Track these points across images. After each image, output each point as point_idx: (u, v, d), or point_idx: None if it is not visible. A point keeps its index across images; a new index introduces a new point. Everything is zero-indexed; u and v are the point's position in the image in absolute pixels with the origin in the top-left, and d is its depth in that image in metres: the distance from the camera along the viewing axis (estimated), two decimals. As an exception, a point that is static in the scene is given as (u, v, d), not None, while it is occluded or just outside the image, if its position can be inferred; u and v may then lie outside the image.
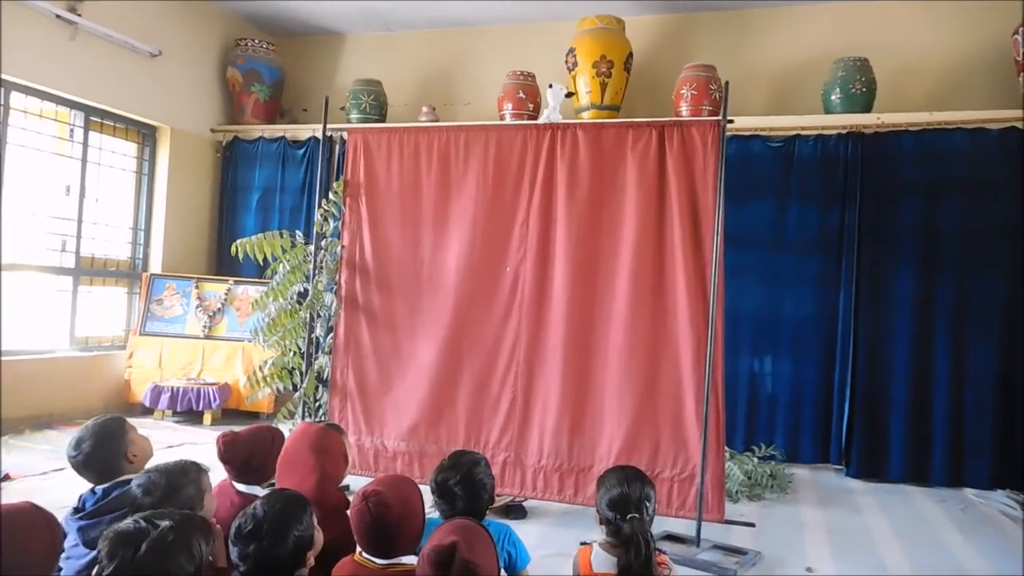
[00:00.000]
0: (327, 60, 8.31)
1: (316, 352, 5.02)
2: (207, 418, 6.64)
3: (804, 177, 6.19)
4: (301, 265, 5.12)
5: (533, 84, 6.98)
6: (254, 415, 6.58)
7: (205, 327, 7.09)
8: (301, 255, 5.14)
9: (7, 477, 4.69)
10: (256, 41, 7.86)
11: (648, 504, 2.46)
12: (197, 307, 7.15)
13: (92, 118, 6.81)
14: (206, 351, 6.99)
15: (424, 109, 7.34)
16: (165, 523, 1.81)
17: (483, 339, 4.55)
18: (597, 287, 4.36)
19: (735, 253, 5.41)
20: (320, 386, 5.03)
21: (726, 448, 4.36)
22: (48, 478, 4.75)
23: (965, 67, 6.32)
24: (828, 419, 6.04)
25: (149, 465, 2.57)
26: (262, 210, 7.83)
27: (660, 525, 4.04)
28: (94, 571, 1.79)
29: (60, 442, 5.56)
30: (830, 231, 6.09)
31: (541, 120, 4.71)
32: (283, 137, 7.81)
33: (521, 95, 6.89)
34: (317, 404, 5.03)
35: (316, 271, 4.94)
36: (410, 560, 2.25)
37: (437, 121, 7.14)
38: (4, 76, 5.79)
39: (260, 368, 5.10)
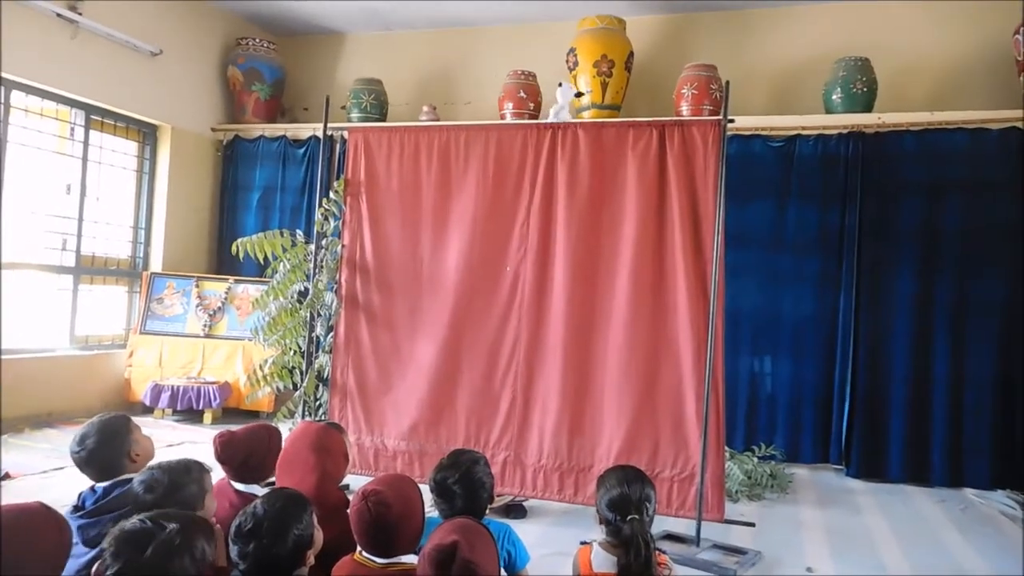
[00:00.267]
0: (328, 59, 8.31)
1: (316, 351, 5.02)
2: (207, 417, 6.64)
3: (805, 177, 6.19)
4: (301, 264, 5.12)
5: (534, 83, 6.98)
6: (254, 414, 6.58)
7: (205, 326, 7.09)
8: (301, 254, 5.14)
9: (7, 476, 4.69)
10: (257, 40, 7.86)
11: (648, 505, 2.46)
12: (197, 306, 7.15)
13: (93, 117, 6.81)
14: (206, 350, 6.99)
15: (425, 108, 7.35)
16: (172, 525, 1.82)
17: (483, 338, 4.55)
18: (597, 286, 4.36)
19: (735, 253, 5.41)
20: (320, 385, 5.03)
21: (726, 448, 4.36)
22: (48, 477, 4.75)
23: (966, 67, 6.32)
24: (828, 419, 6.03)
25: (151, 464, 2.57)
26: (263, 209, 7.83)
27: (660, 524, 4.04)
28: (95, 568, 1.79)
29: (60, 441, 5.56)
30: (830, 231, 6.09)
31: (550, 118, 4.72)
32: (284, 136, 7.81)
33: (522, 94, 6.89)
34: (317, 403, 5.03)
35: (316, 270, 4.94)
36: (410, 559, 2.25)
37: (438, 120, 7.14)
38: (5, 75, 5.80)
39: (260, 367, 5.10)
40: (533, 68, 7.02)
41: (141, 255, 7.46)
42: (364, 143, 4.89)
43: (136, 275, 7.37)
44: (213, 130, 7.97)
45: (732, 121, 4.22)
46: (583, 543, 2.63)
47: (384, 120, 7.44)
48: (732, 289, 5.17)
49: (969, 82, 6.28)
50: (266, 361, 5.11)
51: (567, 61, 6.80)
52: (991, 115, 5.82)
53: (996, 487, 5.48)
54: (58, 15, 6.09)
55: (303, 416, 4.84)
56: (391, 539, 2.23)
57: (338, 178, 5.04)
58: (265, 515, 2.06)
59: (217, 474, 2.76)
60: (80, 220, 6.74)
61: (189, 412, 6.69)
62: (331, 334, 4.94)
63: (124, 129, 7.18)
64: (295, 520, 2.09)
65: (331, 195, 4.96)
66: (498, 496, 4.37)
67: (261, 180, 7.83)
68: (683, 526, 4.11)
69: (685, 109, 6.38)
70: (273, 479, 2.97)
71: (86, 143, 6.77)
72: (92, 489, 2.71)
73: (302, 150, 7.72)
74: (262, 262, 5.27)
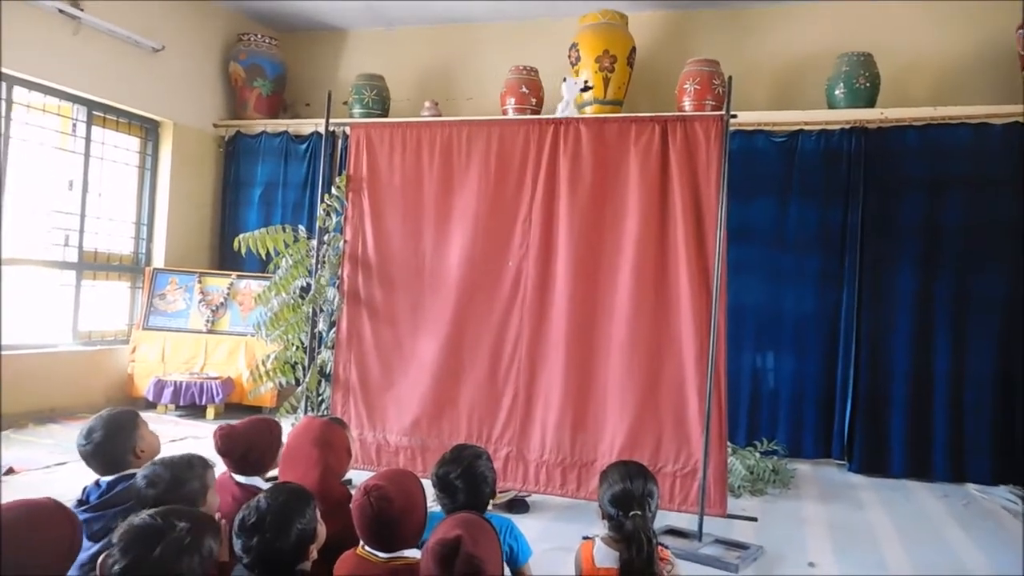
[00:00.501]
0: (329, 55, 8.30)
1: (319, 347, 5.03)
2: (210, 412, 6.65)
3: (807, 172, 6.18)
4: (304, 260, 5.12)
5: (536, 79, 6.97)
6: (257, 410, 6.58)
7: (208, 321, 7.10)
8: (304, 250, 5.14)
9: (11, 471, 4.71)
10: (258, 36, 7.85)
11: (651, 500, 2.46)
12: (200, 301, 7.16)
13: (95, 113, 6.82)
14: (209, 345, 7.00)
15: (426, 104, 7.34)
16: (182, 524, 1.83)
17: (485, 334, 4.55)
18: (599, 282, 4.36)
19: (738, 248, 5.41)
20: (323, 380, 5.04)
21: (728, 443, 4.36)
22: (51, 472, 4.76)
23: (968, 62, 6.30)
24: (830, 414, 6.04)
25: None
26: (265, 205, 7.84)
27: (662, 519, 4.04)
28: (100, 561, 1.79)
29: (63, 436, 5.58)
30: (833, 227, 6.08)
31: (557, 114, 4.72)
32: (286, 132, 7.81)
33: (524, 90, 6.88)
34: (320, 399, 5.03)
35: (319, 266, 4.94)
36: (412, 553, 2.26)
37: (440, 116, 7.13)
38: (7, 71, 5.80)
39: (263, 363, 5.11)
40: (535, 64, 7.01)
41: (143, 251, 7.47)
42: (366, 139, 4.89)
43: (139, 271, 7.38)
44: (215, 126, 7.97)
45: (735, 116, 4.22)
46: (585, 538, 2.63)
47: (386, 116, 7.44)
48: (734, 285, 5.17)
49: (972, 77, 6.27)
50: (268, 357, 5.12)
51: (569, 56, 6.80)
52: (994, 110, 5.80)
53: (998, 482, 5.48)
54: (60, 11, 6.08)
55: (306, 411, 4.85)
56: (393, 533, 2.24)
57: (340, 174, 5.03)
58: (268, 509, 2.07)
59: (219, 469, 2.77)
60: (82, 216, 6.75)
61: (192, 408, 6.70)
62: (333, 330, 4.95)
63: (126, 125, 7.19)
64: (298, 514, 2.10)
65: (333, 191, 4.96)
66: (501, 491, 4.37)
67: (263, 176, 7.83)
68: (685, 521, 4.11)
69: (687, 104, 6.37)
70: (275, 473, 2.98)
71: (88, 139, 6.78)
72: (96, 483, 2.73)
73: (304, 146, 7.72)
74: (264, 258, 5.27)
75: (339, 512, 2.43)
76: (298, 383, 5.06)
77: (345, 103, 7.49)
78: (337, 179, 4.99)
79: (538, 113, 6.85)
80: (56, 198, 6.57)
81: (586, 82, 6.39)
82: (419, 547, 2.26)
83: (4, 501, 1.93)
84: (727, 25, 6.96)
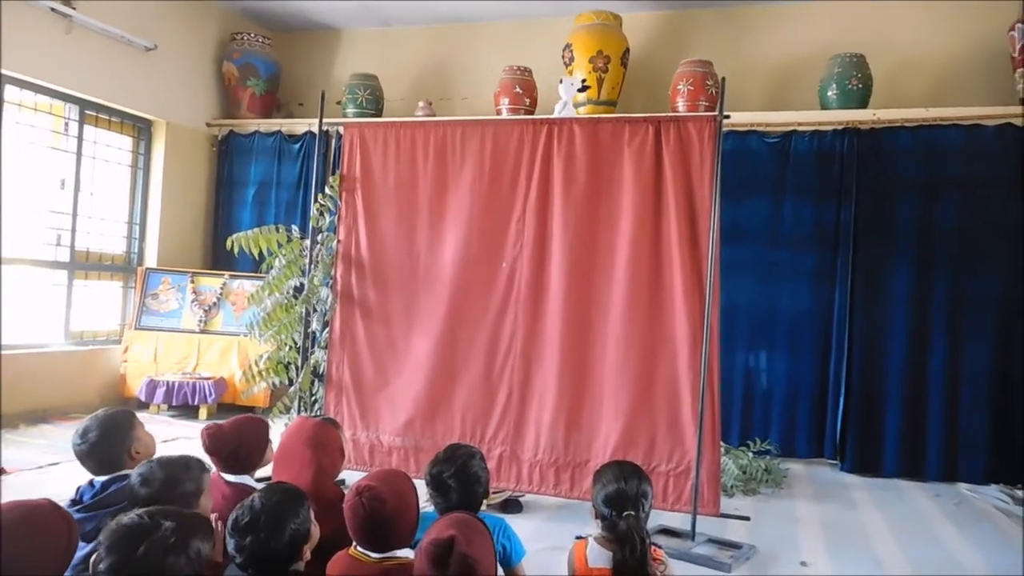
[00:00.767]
0: (323, 55, 8.29)
1: (312, 347, 5.02)
2: (203, 412, 6.63)
3: (800, 173, 6.19)
4: (297, 260, 5.11)
5: (530, 79, 6.97)
6: (250, 410, 6.57)
7: (201, 321, 7.08)
8: (297, 250, 5.13)
9: (2, 471, 4.69)
10: (252, 35, 7.84)
11: (644, 501, 2.46)
12: (192, 301, 7.14)
13: (87, 112, 6.79)
14: (202, 345, 6.99)
15: (420, 104, 7.34)
16: (168, 523, 1.82)
17: (479, 334, 4.55)
18: (594, 282, 4.36)
19: (731, 248, 5.42)
20: (316, 381, 5.03)
21: (721, 443, 4.37)
22: (44, 472, 4.74)
23: (961, 63, 6.33)
24: (823, 414, 6.06)
25: None
26: (258, 204, 7.82)
27: (655, 519, 4.04)
28: (92, 560, 1.79)
29: (56, 436, 5.55)
30: (826, 227, 6.10)
31: (555, 115, 4.72)
32: (279, 131, 7.79)
33: (518, 90, 6.88)
34: (313, 399, 5.03)
35: (312, 266, 4.93)
36: (405, 553, 2.26)
37: (434, 116, 7.13)
38: (-2, 69, 5.78)
39: (256, 363, 5.09)
40: (529, 64, 7.02)
41: (136, 250, 7.44)
42: (360, 138, 4.88)
43: (131, 270, 7.36)
44: (208, 125, 7.95)
45: (728, 117, 4.23)
46: (578, 538, 2.64)
47: (380, 116, 7.43)
48: (728, 285, 5.17)
49: (964, 78, 6.29)
50: (261, 356, 5.10)
51: (563, 57, 6.80)
52: (986, 111, 5.83)
53: (990, 482, 5.50)
54: (52, 10, 6.06)
55: (299, 412, 4.84)
56: (386, 534, 2.24)
57: (333, 173, 5.03)
58: (262, 509, 2.07)
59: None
60: (74, 215, 6.72)
61: (184, 408, 6.68)
62: (327, 330, 4.94)
63: (119, 124, 7.16)
64: (292, 514, 2.10)
65: (326, 190, 4.95)
66: (495, 492, 4.38)
67: (256, 175, 7.82)
68: (679, 520, 4.12)
69: (681, 105, 6.38)
70: (267, 473, 2.98)
71: (80, 138, 6.75)
72: (90, 483, 2.72)
73: (297, 145, 7.70)
74: (257, 258, 5.26)
75: (332, 512, 2.43)
76: (291, 383, 5.05)
77: (339, 103, 7.48)
78: (330, 179, 4.98)
79: (532, 113, 6.85)
80: (48, 197, 6.54)
81: (583, 81, 6.40)
82: (412, 547, 2.26)
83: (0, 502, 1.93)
84: (720, 26, 6.98)
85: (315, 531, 2.20)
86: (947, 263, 5.78)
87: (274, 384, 5.15)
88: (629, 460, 2.82)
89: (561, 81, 5.11)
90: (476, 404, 4.54)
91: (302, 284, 5.01)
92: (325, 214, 4.97)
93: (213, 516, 2.45)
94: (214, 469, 2.78)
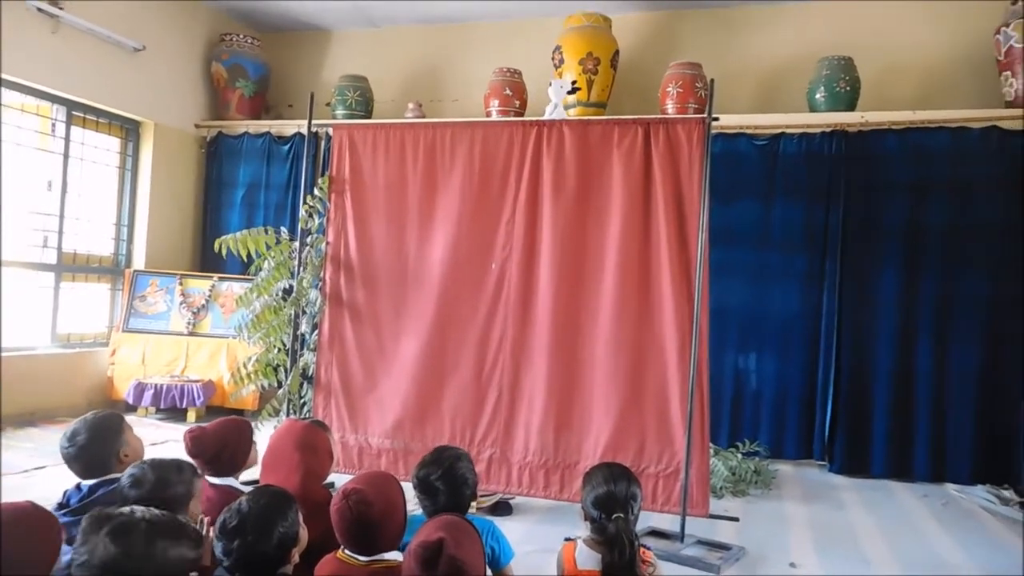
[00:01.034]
0: (313, 56, 8.27)
1: (301, 349, 5.00)
2: (191, 415, 6.60)
3: (789, 175, 6.22)
4: (286, 262, 5.09)
5: (520, 81, 6.98)
6: (239, 412, 6.54)
7: (189, 324, 7.05)
8: (286, 251, 5.11)
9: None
10: (241, 36, 7.81)
11: (634, 503, 2.46)
12: (181, 304, 7.11)
13: (75, 113, 6.75)
14: (190, 348, 6.95)
15: (410, 105, 7.33)
16: (144, 518, 1.82)
17: (469, 336, 4.54)
18: (583, 284, 4.36)
19: (720, 250, 5.43)
20: (305, 383, 5.02)
21: (711, 444, 4.37)
22: (30, 476, 4.71)
23: (948, 66, 6.38)
24: (812, 416, 6.08)
25: None
26: (247, 206, 7.79)
27: (645, 520, 4.06)
28: (72, 549, 1.79)
29: (42, 440, 5.52)
30: (814, 229, 6.13)
31: (546, 117, 4.72)
32: (268, 133, 7.77)
33: (507, 92, 6.88)
34: (302, 401, 5.01)
35: (301, 267, 4.92)
36: (392, 556, 2.25)
37: (423, 117, 7.13)
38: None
39: (244, 365, 5.07)
40: (519, 65, 7.02)
41: (124, 252, 7.40)
42: (349, 140, 4.87)
43: (119, 272, 7.32)
44: (197, 126, 7.92)
45: (717, 119, 4.25)
46: (567, 539, 2.64)
47: (369, 117, 7.42)
48: (717, 287, 5.19)
49: (951, 81, 6.34)
50: (250, 359, 5.07)
51: (553, 59, 6.81)
52: (972, 114, 5.87)
53: (977, 482, 5.54)
54: (39, 10, 6.02)
55: (288, 414, 4.82)
56: (373, 537, 2.23)
57: (323, 175, 5.02)
58: (250, 512, 2.06)
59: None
60: (62, 217, 6.67)
61: (173, 410, 6.64)
62: (316, 332, 4.93)
63: (106, 125, 7.12)
64: (280, 517, 2.09)
65: (315, 192, 4.94)
66: (485, 495, 4.37)
67: (245, 177, 7.79)
68: (668, 522, 4.13)
69: (670, 107, 6.40)
70: (254, 476, 2.97)
71: (67, 139, 6.71)
72: (78, 487, 2.70)
73: (287, 147, 7.68)
74: (246, 260, 5.24)
75: (321, 515, 2.42)
76: (280, 386, 5.03)
77: (328, 104, 7.46)
78: (320, 180, 4.97)
79: (522, 115, 6.86)
80: (35, 199, 6.49)
81: (573, 83, 6.40)
82: (400, 550, 2.25)
83: None
84: (710, 28, 7.00)
85: (303, 534, 2.19)
86: (934, 265, 5.82)
87: (263, 387, 5.13)
88: (618, 462, 2.82)
89: (551, 83, 5.11)
90: (465, 406, 4.53)
91: (291, 286, 4.99)
92: (314, 216, 4.96)
93: (204, 519, 2.45)
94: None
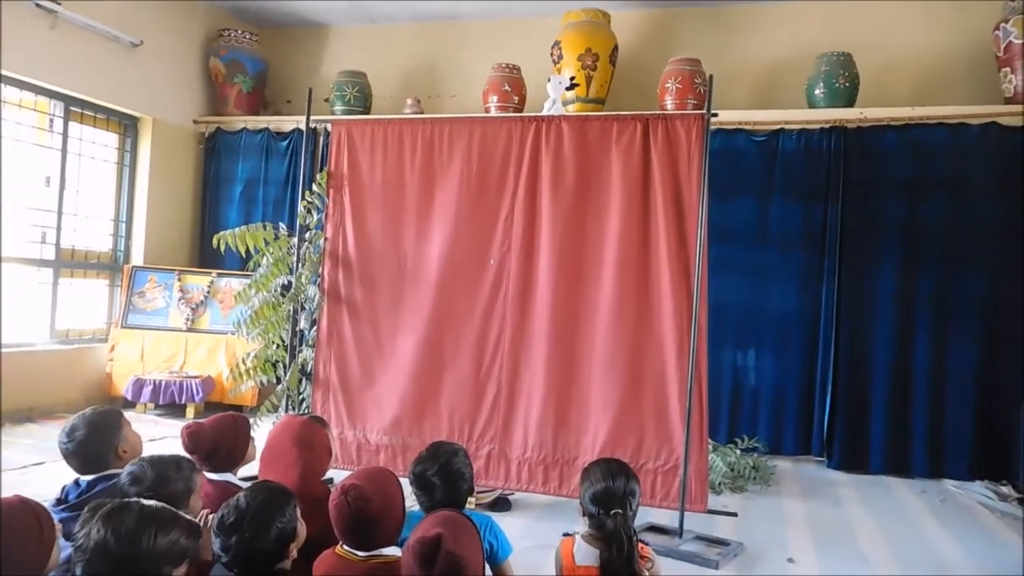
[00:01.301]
0: (311, 52, 8.25)
1: (300, 345, 5.00)
2: (190, 411, 6.60)
3: (788, 171, 6.22)
4: (284, 258, 5.08)
5: (519, 77, 6.97)
6: (237, 408, 6.53)
7: (188, 320, 7.05)
8: (284, 247, 5.11)
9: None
10: (239, 32, 7.79)
11: (632, 499, 2.46)
12: (179, 300, 7.10)
13: (72, 108, 6.73)
14: (189, 344, 6.95)
15: (409, 101, 7.32)
16: (137, 510, 1.83)
17: (467, 332, 4.54)
18: (582, 279, 4.36)
19: (719, 247, 5.41)
20: (303, 379, 5.01)
21: (709, 440, 4.38)
22: (28, 472, 4.71)
23: (947, 63, 6.37)
24: (810, 412, 6.08)
25: None
26: (245, 202, 7.78)
27: (644, 516, 4.06)
28: (74, 534, 1.80)
29: (41, 436, 5.51)
30: (813, 225, 6.13)
31: (544, 113, 4.71)
32: (266, 129, 7.75)
33: (506, 88, 6.88)
34: (300, 397, 5.01)
35: (299, 263, 4.91)
36: (391, 552, 2.25)
37: (422, 113, 7.11)
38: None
39: (243, 361, 5.07)
40: (518, 61, 7.01)
41: (122, 248, 7.39)
42: (347, 136, 4.86)
43: (117, 268, 7.31)
44: (195, 122, 7.90)
45: (716, 115, 4.24)
46: (566, 535, 2.64)
47: (368, 113, 7.41)
48: (716, 283, 5.17)
49: (950, 78, 6.33)
50: (249, 355, 5.08)
51: (552, 54, 6.80)
52: (971, 111, 5.87)
53: (974, 478, 5.54)
54: (37, 5, 6.00)
55: (286, 410, 4.82)
56: (371, 532, 2.23)
57: (321, 171, 5.01)
58: (248, 508, 2.06)
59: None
60: (60, 213, 6.67)
61: (172, 406, 6.64)
62: (314, 328, 4.92)
63: (104, 121, 7.11)
64: (278, 513, 2.09)
65: (314, 188, 4.93)
66: (485, 491, 4.37)
67: (243, 173, 7.78)
68: (666, 517, 4.13)
69: (669, 103, 6.39)
70: (253, 472, 2.97)
71: (65, 135, 6.70)
72: (76, 483, 2.70)
73: (285, 143, 7.67)
74: (244, 256, 5.24)
75: (319, 511, 2.42)
76: (279, 382, 5.03)
77: (326, 100, 7.45)
78: (318, 176, 4.96)
79: (520, 111, 6.85)
80: (33, 195, 6.48)
81: (572, 79, 6.39)
82: (398, 545, 2.25)
83: None
84: (709, 25, 6.99)
85: (302, 530, 2.19)
86: (933, 261, 5.82)
87: (262, 383, 5.13)
88: (617, 458, 2.82)
89: (549, 79, 5.10)
90: (464, 402, 4.53)
91: (290, 282, 4.99)
92: (313, 212, 4.95)
93: (206, 512, 2.45)
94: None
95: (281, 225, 5.26)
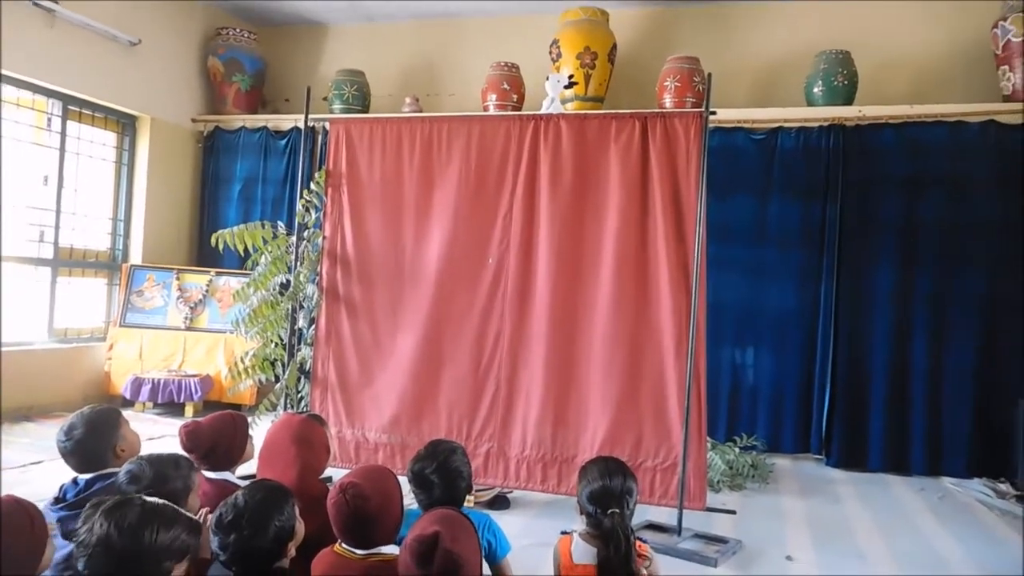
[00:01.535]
0: (310, 50, 8.25)
1: (298, 343, 5.00)
2: (189, 410, 6.59)
3: (786, 169, 6.22)
4: (283, 256, 5.08)
5: (517, 75, 6.97)
6: (236, 407, 6.52)
7: (186, 319, 7.04)
8: (283, 246, 5.11)
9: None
10: (237, 30, 7.79)
11: (629, 498, 2.46)
12: (178, 298, 7.10)
13: (70, 107, 6.73)
14: (187, 343, 6.95)
15: (407, 100, 7.32)
16: (138, 506, 1.83)
17: (466, 330, 4.53)
18: (581, 278, 4.36)
19: (717, 245, 5.42)
20: (302, 377, 5.01)
21: (708, 438, 4.38)
22: (26, 471, 4.70)
23: (945, 60, 6.37)
24: (809, 410, 6.09)
25: None
26: (244, 201, 7.78)
27: (642, 513, 4.06)
28: (78, 527, 1.80)
29: (39, 435, 5.51)
30: (812, 223, 6.13)
31: (543, 111, 4.71)
32: (265, 127, 7.75)
33: (505, 86, 6.87)
34: (299, 396, 5.01)
35: (298, 262, 4.91)
36: (389, 550, 2.25)
37: (420, 112, 7.11)
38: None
39: (242, 359, 5.07)
40: (516, 60, 7.01)
41: (120, 247, 7.39)
42: (346, 134, 4.86)
43: (115, 267, 7.31)
44: (193, 121, 7.90)
45: (714, 113, 4.23)
46: (564, 533, 2.64)
47: (366, 112, 7.41)
48: (714, 281, 5.18)
49: (948, 76, 6.33)
50: (247, 353, 5.08)
51: (550, 53, 6.80)
52: (970, 108, 5.86)
53: (973, 476, 5.55)
54: (35, 4, 6.00)
55: (285, 409, 4.82)
56: (370, 531, 2.23)
57: (320, 169, 5.01)
58: (246, 507, 2.06)
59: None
60: (58, 212, 6.66)
61: (170, 405, 6.64)
62: (313, 326, 4.92)
63: (102, 120, 7.10)
64: (276, 512, 2.08)
65: (312, 187, 4.93)
66: (484, 489, 4.37)
67: (242, 171, 7.77)
68: (665, 515, 4.13)
69: (668, 101, 6.39)
70: (251, 470, 2.97)
71: (63, 134, 6.69)
72: (74, 481, 2.70)
73: (283, 141, 7.66)
74: (243, 254, 5.23)
75: (317, 510, 2.42)
76: (277, 380, 5.03)
77: (325, 99, 7.44)
78: (316, 175, 4.96)
79: (519, 109, 6.85)
80: (31, 193, 6.48)
81: (570, 77, 6.39)
82: (396, 543, 2.25)
83: None
84: (708, 23, 6.99)
85: (300, 528, 2.19)
86: (931, 259, 5.82)
87: (260, 381, 5.14)
88: (615, 456, 2.82)
89: (548, 77, 5.10)
90: (463, 401, 4.53)
91: (288, 281, 4.99)
92: (311, 210, 4.95)
93: (205, 511, 2.45)
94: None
95: (279, 224, 5.26)
